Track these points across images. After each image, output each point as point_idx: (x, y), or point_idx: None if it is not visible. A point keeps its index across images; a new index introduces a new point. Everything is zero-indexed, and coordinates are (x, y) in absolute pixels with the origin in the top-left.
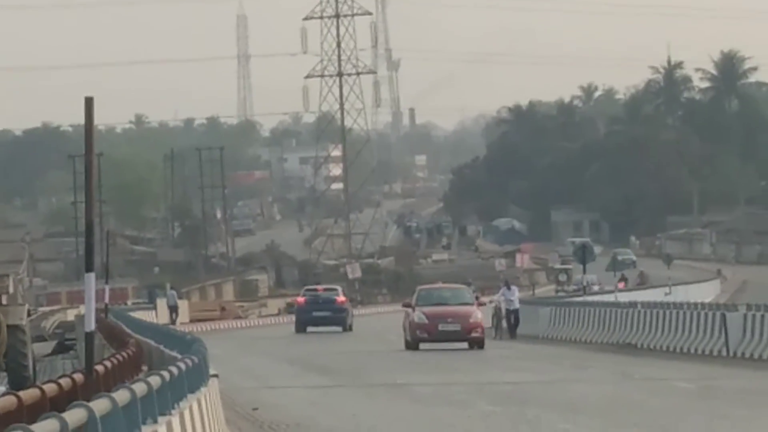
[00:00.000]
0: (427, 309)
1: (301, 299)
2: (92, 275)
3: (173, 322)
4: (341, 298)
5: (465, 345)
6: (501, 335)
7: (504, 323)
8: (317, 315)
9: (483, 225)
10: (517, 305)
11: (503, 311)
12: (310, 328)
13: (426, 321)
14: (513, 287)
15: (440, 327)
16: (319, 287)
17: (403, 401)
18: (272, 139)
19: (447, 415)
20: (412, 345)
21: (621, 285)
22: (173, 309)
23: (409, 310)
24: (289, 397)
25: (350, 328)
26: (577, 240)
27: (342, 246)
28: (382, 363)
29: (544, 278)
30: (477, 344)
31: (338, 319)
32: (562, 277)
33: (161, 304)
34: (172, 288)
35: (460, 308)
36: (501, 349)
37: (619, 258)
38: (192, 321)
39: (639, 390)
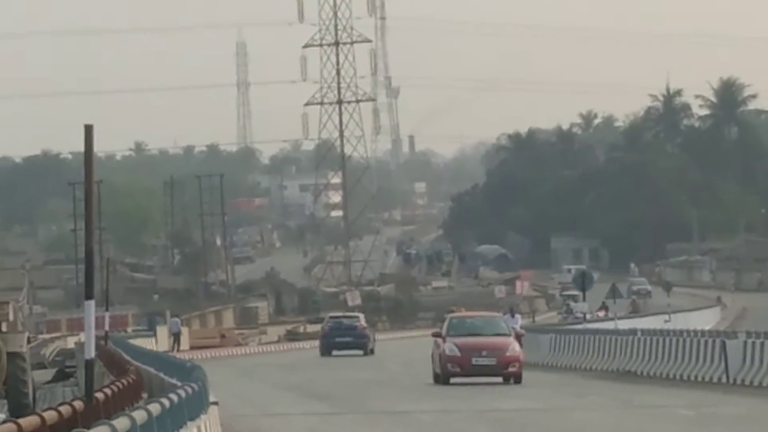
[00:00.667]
0: (459, 340)
1: (326, 326)
2: (92, 303)
3: (173, 348)
4: (362, 324)
5: (500, 380)
6: None
7: None
8: (340, 340)
9: (460, 252)
10: (521, 332)
11: None
12: (334, 352)
13: (458, 353)
14: (517, 315)
15: (474, 360)
16: (342, 314)
17: (402, 428)
18: (272, 167)
19: None
20: (442, 379)
21: (600, 314)
22: (176, 336)
23: (439, 340)
24: (289, 424)
25: (372, 352)
26: (574, 268)
27: (342, 273)
28: (382, 390)
29: (545, 305)
30: (514, 379)
31: (360, 344)
32: (571, 302)
33: (161, 331)
34: (174, 315)
35: (496, 339)
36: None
37: (635, 288)
38: (192, 348)
39: (639, 417)
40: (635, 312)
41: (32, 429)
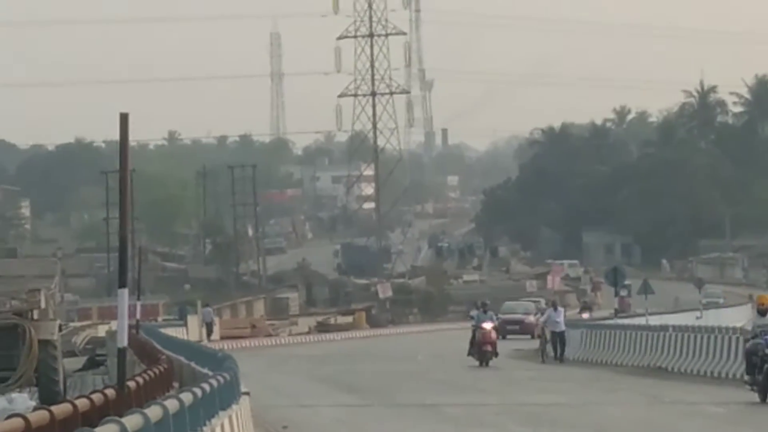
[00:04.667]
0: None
1: None
2: (125, 291)
3: (208, 337)
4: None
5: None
6: (546, 359)
7: (549, 347)
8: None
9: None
10: (563, 327)
11: (548, 334)
12: None
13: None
14: (560, 308)
15: None
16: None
17: (432, 421)
18: (305, 158)
19: None
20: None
21: (585, 315)
22: (209, 326)
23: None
24: (318, 415)
25: None
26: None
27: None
28: (412, 382)
29: (575, 300)
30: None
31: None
32: (624, 292)
33: (192, 320)
34: (207, 305)
35: None
36: (530, 371)
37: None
38: (222, 338)
39: (669, 414)
40: (623, 311)
41: (64, 416)
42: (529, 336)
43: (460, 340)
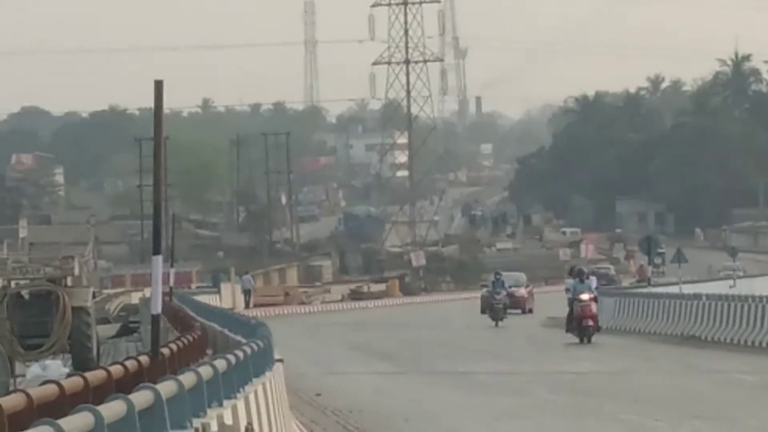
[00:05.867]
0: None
1: None
2: (159, 258)
3: (246, 305)
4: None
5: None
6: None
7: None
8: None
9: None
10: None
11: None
12: None
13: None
14: (591, 277)
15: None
16: None
17: (465, 389)
18: (338, 126)
19: (508, 403)
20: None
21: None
22: (247, 293)
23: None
24: (352, 383)
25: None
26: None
27: (406, 233)
28: (445, 350)
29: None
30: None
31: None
32: (658, 260)
33: (225, 288)
34: (247, 272)
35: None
36: (563, 339)
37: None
38: (256, 306)
39: (703, 382)
40: (642, 280)
41: (98, 383)
42: (520, 311)
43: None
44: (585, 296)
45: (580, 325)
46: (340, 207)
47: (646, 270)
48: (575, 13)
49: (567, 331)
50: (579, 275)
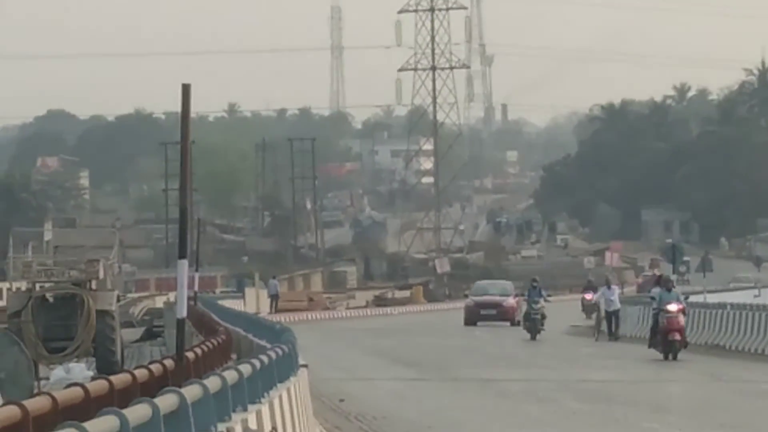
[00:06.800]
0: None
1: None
2: (185, 262)
3: (271, 309)
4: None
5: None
6: (599, 336)
7: (604, 324)
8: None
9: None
10: (617, 305)
11: (602, 312)
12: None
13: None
14: (613, 286)
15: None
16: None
17: (489, 396)
18: (364, 131)
19: (533, 411)
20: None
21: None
22: (274, 298)
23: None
24: (375, 389)
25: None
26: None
27: (431, 240)
28: (470, 357)
29: (633, 277)
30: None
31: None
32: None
33: (250, 292)
34: (274, 277)
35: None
36: (586, 347)
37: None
38: (279, 311)
39: (727, 391)
40: (642, 291)
41: (123, 386)
42: (508, 323)
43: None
44: (672, 307)
45: (665, 340)
46: (365, 213)
47: (648, 280)
48: (602, 22)
49: (650, 346)
50: (666, 284)
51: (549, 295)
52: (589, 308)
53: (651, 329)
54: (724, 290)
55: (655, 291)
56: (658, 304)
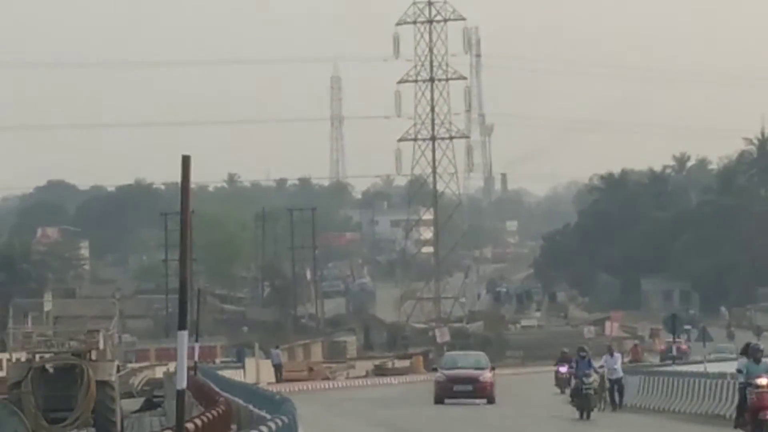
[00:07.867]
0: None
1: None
2: (185, 333)
3: (276, 379)
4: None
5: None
6: (604, 406)
7: (607, 394)
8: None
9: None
10: (620, 374)
11: (606, 381)
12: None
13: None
14: (616, 354)
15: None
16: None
17: None
18: (364, 201)
19: None
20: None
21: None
22: (277, 368)
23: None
24: None
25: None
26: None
27: (431, 309)
28: (470, 428)
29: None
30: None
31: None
32: (683, 337)
33: (250, 363)
34: (277, 347)
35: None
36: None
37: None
38: (279, 381)
39: None
40: (635, 360)
41: None
42: (485, 400)
43: (516, 385)
44: (763, 381)
45: (754, 419)
46: (356, 282)
47: (639, 351)
48: (601, 92)
49: (736, 426)
50: (754, 354)
51: (601, 367)
52: (562, 382)
53: (737, 407)
54: (725, 359)
55: (742, 362)
56: (745, 378)
